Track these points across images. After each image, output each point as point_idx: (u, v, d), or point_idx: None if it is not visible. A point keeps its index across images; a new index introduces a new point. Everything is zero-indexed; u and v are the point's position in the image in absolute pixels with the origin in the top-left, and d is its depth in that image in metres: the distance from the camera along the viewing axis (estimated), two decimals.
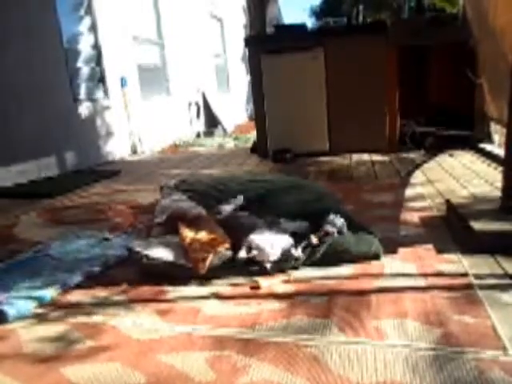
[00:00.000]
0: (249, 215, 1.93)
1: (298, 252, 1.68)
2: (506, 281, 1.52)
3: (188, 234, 1.77)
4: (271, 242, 1.69)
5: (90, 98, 5.24)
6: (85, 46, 5.22)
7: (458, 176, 3.05)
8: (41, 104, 4.37)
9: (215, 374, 1.14)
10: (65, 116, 4.75)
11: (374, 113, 4.22)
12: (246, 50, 4.64)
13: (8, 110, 3.99)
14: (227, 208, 2.00)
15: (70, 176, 4.46)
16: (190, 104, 7.79)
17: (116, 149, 5.64)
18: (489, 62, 3.68)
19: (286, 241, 1.73)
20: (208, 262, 1.66)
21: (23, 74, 4.17)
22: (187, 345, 1.29)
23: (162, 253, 1.73)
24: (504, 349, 1.14)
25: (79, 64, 5.10)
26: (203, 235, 1.77)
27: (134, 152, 5.99)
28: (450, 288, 1.48)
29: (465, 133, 4.08)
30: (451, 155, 3.81)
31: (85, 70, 5.20)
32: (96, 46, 5.37)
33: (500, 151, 3.28)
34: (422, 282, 1.55)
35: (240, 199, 2.08)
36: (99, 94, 5.45)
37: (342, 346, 1.21)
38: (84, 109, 5.08)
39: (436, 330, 1.24)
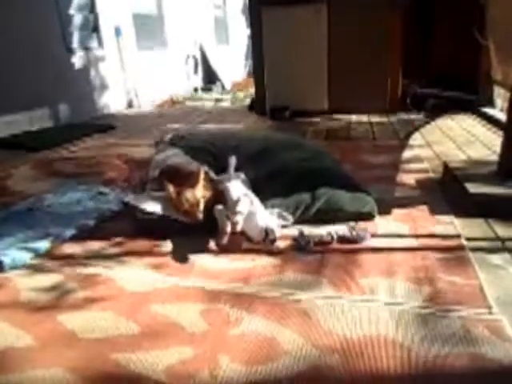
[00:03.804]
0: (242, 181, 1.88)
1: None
2: (497, 243, 1.54)
3: (175, 188, 1.74)
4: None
5: (84, 47, 5.04)
6: None
7: (457, 139, 3.03)
8: (32, 53, 4.20)
9: (208, 325, 1.17)
10: (57, 66, 4.59)
11: (376, 72, 4.11)
12: (247, 2, 4.44)
13: None
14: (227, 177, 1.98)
15: (63, 129, 4.37)
16: (187, 57, 7.54)
17: (111, 102, 5.51)
18: (498, 23, 3.55)
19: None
20: (202, 207, 1.67)
21: (12, 22, 3.98)
22: (181, 297, 1.31)
23: (156, 207, 1.73)
24: (489, 308, 1.17)
25: (71, 11, 4.86)
26: (192, 185, 1.75)
27: (130, 106, 5.86)
28: (441, 249, 1.50)
29: (468, 96, 4.00)
30: (452, 118, 3.75)
31: (78, 18, 4.96)
32: None
33: (502, 116, 3.23)
34: (414, 243, 1.57)
35: (233, 160, 2.05)
36: (93, 43, 5.24)
37: (332, 302, 1.24)
38: (77, 59, 4.90)
39: (425, 289, 1.27)
